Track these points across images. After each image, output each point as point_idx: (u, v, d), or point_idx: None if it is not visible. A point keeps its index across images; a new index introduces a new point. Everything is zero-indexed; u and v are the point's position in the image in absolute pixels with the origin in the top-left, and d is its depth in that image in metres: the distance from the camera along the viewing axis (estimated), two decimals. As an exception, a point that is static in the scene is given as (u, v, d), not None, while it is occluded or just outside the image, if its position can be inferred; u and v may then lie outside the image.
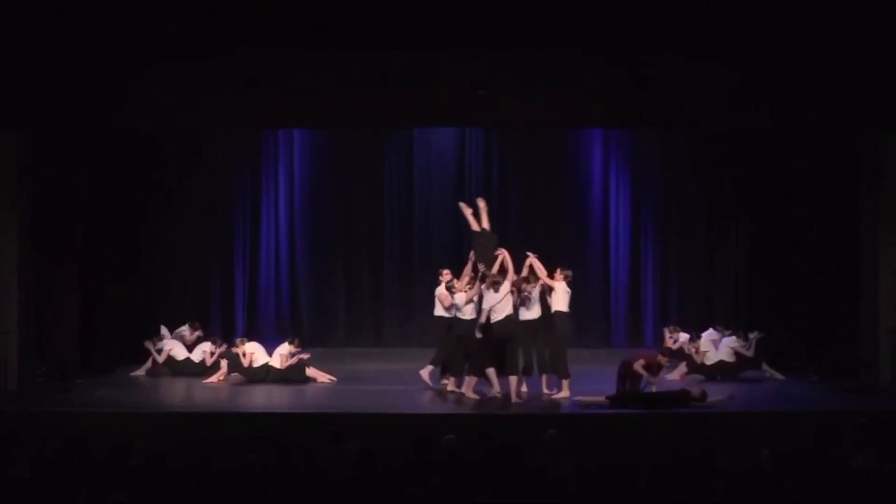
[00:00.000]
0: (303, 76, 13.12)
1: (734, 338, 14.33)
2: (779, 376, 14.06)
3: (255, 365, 13.88)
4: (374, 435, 9.78)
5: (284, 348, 14.03)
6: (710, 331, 14.85)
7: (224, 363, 14.02)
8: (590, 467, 7.88)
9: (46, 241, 13.86)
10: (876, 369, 13.41)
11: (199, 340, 14.92)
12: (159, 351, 14.51)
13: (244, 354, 13.90)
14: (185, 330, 15.09)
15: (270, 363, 13.94)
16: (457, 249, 16.04)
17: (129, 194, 15.51)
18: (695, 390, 12.33)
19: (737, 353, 14.18)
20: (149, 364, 14.55)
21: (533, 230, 17.27)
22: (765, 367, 14.22)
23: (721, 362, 14.18)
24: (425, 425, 10.66)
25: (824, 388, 13.21)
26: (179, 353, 14.54)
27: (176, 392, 13.60)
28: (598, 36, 12.69)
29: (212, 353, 14.44)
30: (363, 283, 17.49)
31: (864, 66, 12.75)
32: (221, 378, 13.93)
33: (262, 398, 13.16)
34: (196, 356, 14.52)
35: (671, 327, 15.15)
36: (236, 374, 13.91)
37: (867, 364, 13.57)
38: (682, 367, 14.13)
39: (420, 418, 11.48)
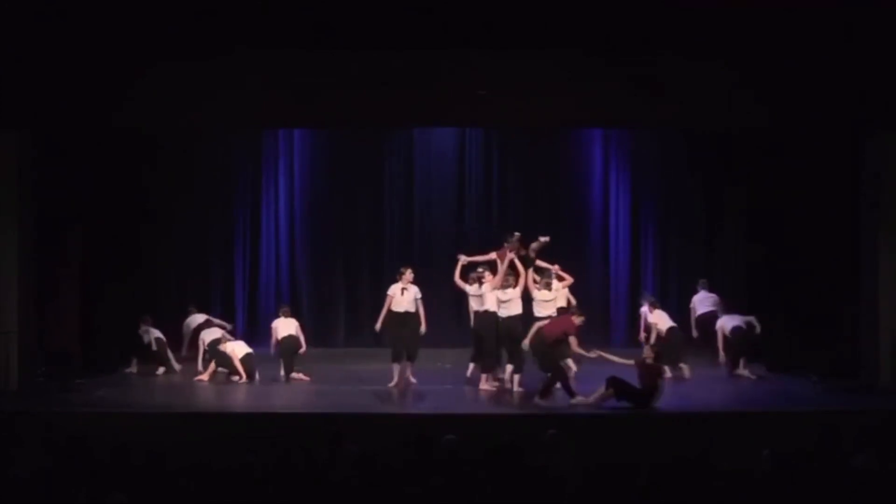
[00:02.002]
0: (303, 76, 13.12)
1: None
2: (750, 376, 14.09)
3: (240, 356, 13.94)
4: (374, 435, 9.79)
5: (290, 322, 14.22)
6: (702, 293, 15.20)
7: (212, 363, 14.00)
8: (590, 467, 7.89)
9: (46, 241, 13.83)
10: (876, 369, 13.38)
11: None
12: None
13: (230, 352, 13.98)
14: (198, 316, 15.09)
15: (291, 334, 14.09)
16: (457, 249, 16.02)
17: (129, 194, 15.50)
18: (646, 354, 12.27)
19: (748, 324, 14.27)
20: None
21: (533, 230, 17.24)
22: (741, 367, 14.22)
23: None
24: (425, 425, 10.64)
25: (824, 388, 13.16)
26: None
27: (176, 392, 13.58)
28: (599, 36, 12.67)
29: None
30: (363, 283, 17.47)
31: (864, 66, 12.72)
32: (210, 376, 13.90)
33: (263, 398, 13.15)
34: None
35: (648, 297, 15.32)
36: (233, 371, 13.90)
37: (867, 364, 13.54)
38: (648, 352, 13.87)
39: (420, 418, 11.47)
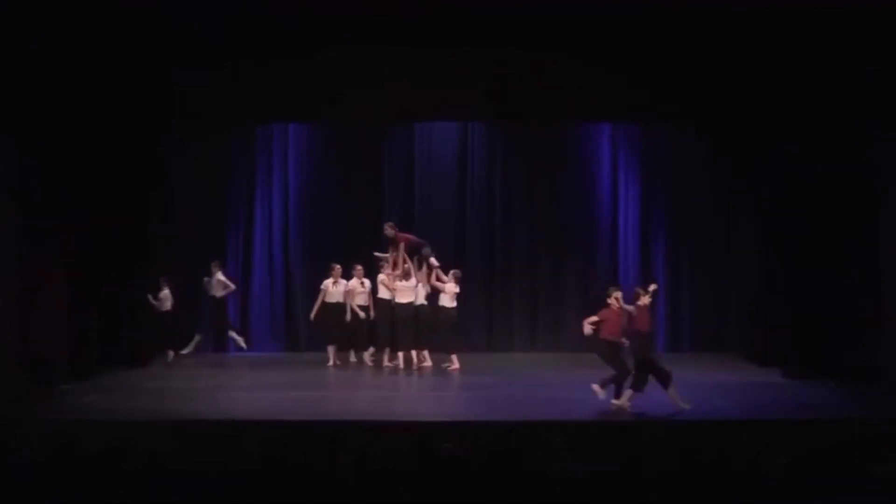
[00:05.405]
0: (303, 76, 13.06)
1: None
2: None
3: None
4: (372, 442, 9.82)
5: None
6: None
7: None
8: (595, 472, 7.92)
9: (33, 242, 13.62)
10: (896, 374, 13.13)
11: None
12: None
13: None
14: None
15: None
16: (458, 247, 15.96)
17: (122, 194, 15.20)
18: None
19: None
20: None
21: (534, 229, 17.07)
22: None
23: None
24: (425, 432, 10.62)
25: (843, 393, 12.95)
26: None
27: (165, 398, 13.27)
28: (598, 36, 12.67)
29: None
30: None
31: (880, 63, 12.69)
32: None
33: (258, 405, 12.87)
34: None
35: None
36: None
37: (889, 369, 13.22)
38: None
39: (419, 425, 11.37)
